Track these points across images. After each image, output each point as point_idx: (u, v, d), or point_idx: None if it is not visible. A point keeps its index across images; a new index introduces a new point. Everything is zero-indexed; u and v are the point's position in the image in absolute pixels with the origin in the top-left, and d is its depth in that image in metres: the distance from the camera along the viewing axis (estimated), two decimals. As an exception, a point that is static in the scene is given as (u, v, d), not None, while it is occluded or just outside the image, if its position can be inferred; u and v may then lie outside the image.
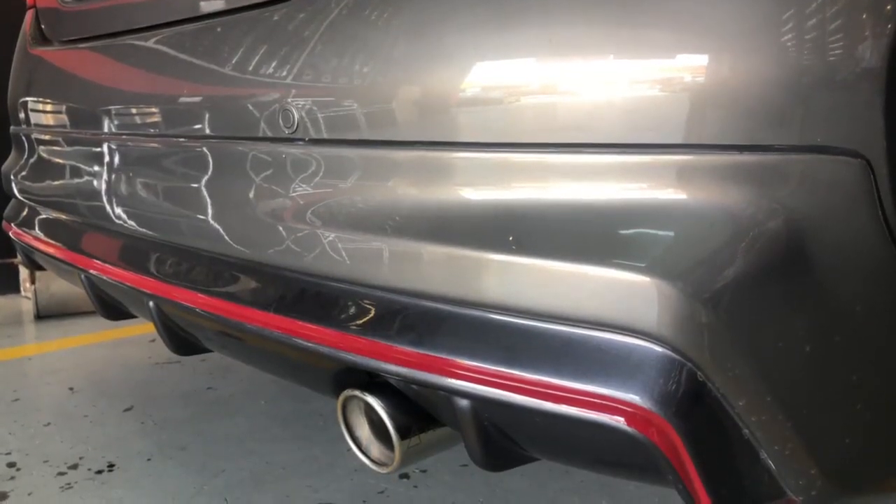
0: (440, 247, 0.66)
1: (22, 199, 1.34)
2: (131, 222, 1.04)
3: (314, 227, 0.76)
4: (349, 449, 0.78)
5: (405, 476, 1.28)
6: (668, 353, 0.54)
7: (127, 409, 1.59)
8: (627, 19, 0.57)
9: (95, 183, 1.11)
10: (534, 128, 0.61)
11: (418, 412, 0.72)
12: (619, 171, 0.57)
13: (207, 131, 0.90)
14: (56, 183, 1.24)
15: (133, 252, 1.03)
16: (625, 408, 0.55)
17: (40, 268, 1.42)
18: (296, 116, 0.77)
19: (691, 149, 0.55)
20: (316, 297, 0.75)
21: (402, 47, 0.69)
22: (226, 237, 0.87)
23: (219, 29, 0.90)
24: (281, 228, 0.80)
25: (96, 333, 2.12)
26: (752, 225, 0.53)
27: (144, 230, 1.02)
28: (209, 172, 0.90)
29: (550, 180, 0.60)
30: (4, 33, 1.75)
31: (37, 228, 1.28)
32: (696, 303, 0.53)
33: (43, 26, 1.29)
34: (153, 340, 2.01)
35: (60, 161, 1.24)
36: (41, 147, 1.28)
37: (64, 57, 1.23)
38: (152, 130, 1.00)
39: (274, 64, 0.80)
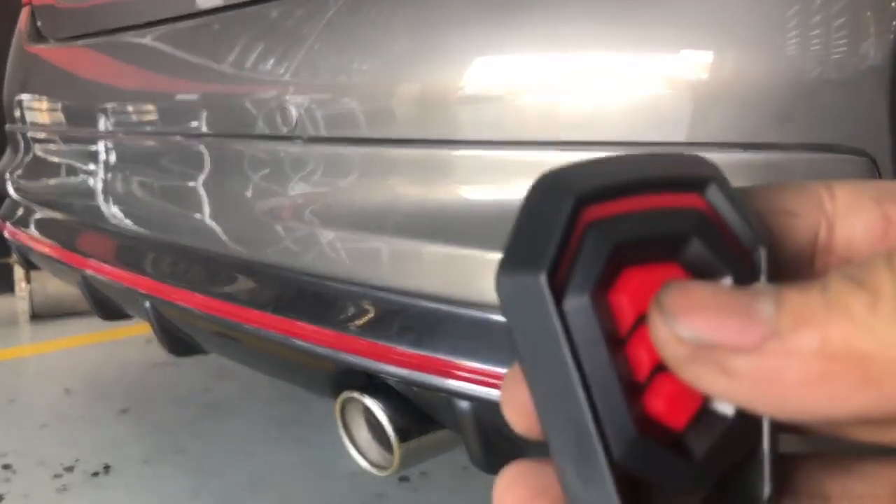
0: (440, 246, 0.65)
1: (17, 197, 1.33)
2: (128, 221, 1.03)
3: (312, 227, 0.75)
4: (348, 451, 0.77)
5: (405, 479, 1.27)
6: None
7: (123, 411, 1.58)
8: (631, 16, 0.57)
9: (92, 181, 1.11)
10: (535, 126, 0.60)
11: (418, 414, 0.71)
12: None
13: (204, 129, 0.89)
14: (52, 181, 1.23)
15: (130, 251, 1.02)
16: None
17: (36, 267, 1.41)
18: (294, 114, 0.76)
19: (695, 147, 0.54)
20: (314, 298, 0.75)
21: (402, 44, 0.69)
22: (223, 236, 0.86)
23: (216, 26, 0.90)
24: (279, 227, 0.79)
25: (92, 334, 2.10)
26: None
27: (141, 229, 1.01)
28: (206, 171, 0.90)
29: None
30: (0, 31, 1.74)
31: (32, 227, 1.27)
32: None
33: (39, 23, 1.28)
34: (149, 341, 2.00)
35: (56, 159, 1.23)
36: (37, 145, 1.27)
37: (60, 54, 1.22)
38: (149, 128, 0.99)
39: (272, 61, 0.79)
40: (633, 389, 0.16)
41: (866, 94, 0.52)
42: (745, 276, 0.17)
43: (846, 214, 0.18)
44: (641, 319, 0.16)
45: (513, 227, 0.17)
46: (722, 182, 0.17)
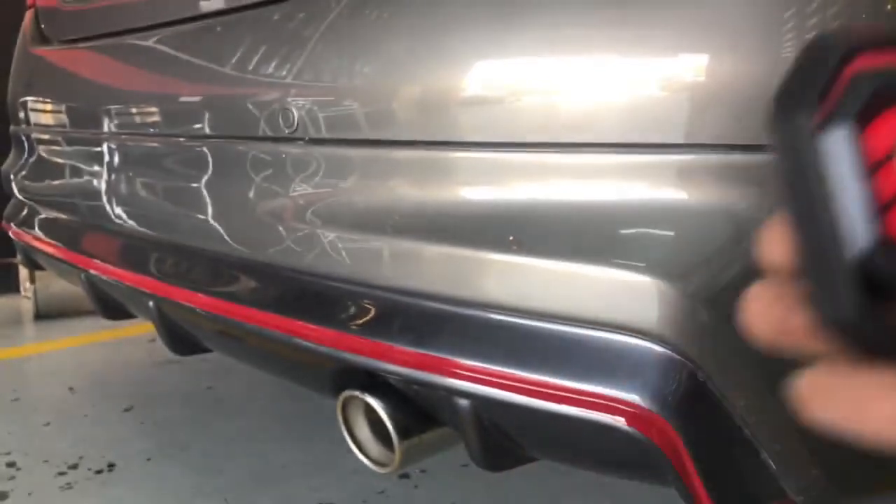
0: (441, 246, 0.66)
1: (22, 198, 1.34)
2: (131, 222, 1.04)
3: (314, 227, 0.76)
4: (349, 449, 0.78)
5: (405, 476, 1.28)
6: (669, 352, 0.54)
7: (127, 409, 1.59)
8: (627, 18, 0.57)
9: (95, 183, 1.11)
10: (534, 127, 0.61)
11: (418, 412, 0.72)
12: (619, 170, 0.57)
13: (207, 131, 0.90)
14: (56, 183, 1.24)
15: (133, 252, 1.03)
16: (625, 408, 0.55)
17: (40, 268, 1.42)
18: (296, 116, 0.77)
19: (692, 148, 0.55)
20: (316, 297, 0.75)
21: (403, 46, 0.69)
22: (226, 237, 0.87)
23: (219, 28, 0.90)
24: (281, 228, 0.79)
25: (96, 333, 2.11)
26: (752, 224, 0.53)
27: (144, 230, 1.01)
28: (209, 172, 0.90)
29: (551, 180, 0.60)
30: (4, 33, 1.75)
31: (37, 228, 1.28)
32: (696, 302, 0.53)
33: (43, 26, 1.29)
34: (153, 340, 2.01)
35: (60, 161, 1.23)
36: (41, 147, 1.28)
37: (64, 57, 1.22)
38: (152, 130, 0.99)
39: (274, 63, 0.80)
40: (877, 210, 0.19)
41: (862, 95, 0.52)
42: None
43: None
44: (890, 156, 0.19)
45: (789, 69, 0.20)
46: None
